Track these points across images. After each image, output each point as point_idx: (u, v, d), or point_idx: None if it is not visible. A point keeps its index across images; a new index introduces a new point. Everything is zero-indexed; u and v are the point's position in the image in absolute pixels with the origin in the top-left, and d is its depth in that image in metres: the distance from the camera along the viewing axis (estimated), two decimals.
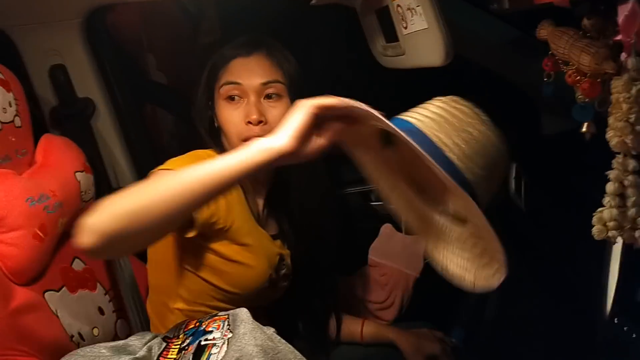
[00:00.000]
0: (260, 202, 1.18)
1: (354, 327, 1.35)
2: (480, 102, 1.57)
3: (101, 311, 1.16)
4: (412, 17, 0.87)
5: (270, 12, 1.44)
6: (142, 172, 1.50)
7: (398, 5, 0.91)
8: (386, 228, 1.53)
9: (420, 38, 0.89)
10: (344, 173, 1.64)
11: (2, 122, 1.01)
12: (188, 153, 1.10)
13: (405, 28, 0.93)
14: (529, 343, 1.51)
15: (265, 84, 1.08)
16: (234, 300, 1.08)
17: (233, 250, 1.08)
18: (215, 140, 1.14)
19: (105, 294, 1.19)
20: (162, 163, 1.18)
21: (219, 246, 1.07)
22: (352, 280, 1.53)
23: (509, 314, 1.60)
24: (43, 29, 1.28)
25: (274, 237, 1.18)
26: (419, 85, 1.66)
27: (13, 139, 1.04)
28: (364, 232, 1.56)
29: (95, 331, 1.12)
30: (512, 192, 1.50)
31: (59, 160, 1.12)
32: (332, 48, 1.73)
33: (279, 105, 1.08)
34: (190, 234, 0.99)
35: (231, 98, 1.09)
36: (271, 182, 1.17)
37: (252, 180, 1.14)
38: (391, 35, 1.10)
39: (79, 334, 1.07)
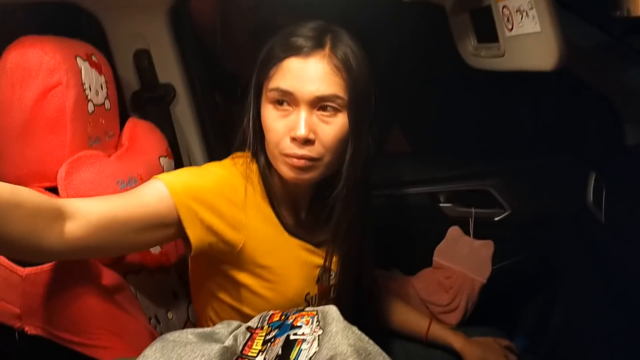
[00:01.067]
0: (302, 209, 1.06)
1: (421, 324, 1.32)
2: (565, 107, 1.54)
3: (175, 295, 1.18)
4: (521, 19, 0.84)
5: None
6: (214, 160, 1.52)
7: (504, 7, 0.89)
8: (453, 230, 1.52)
9: (528, 41, 0.86)
10: (412, 173, 1.62)
11: (95, 104, 1.02)
12: (230, 156, 1.03)
13: (510, 30, 0.90)
14: (594, 357, 1.46)
15: (321, 98, 0.91)
16: None
17: (251, 277, 0.98)
18: (259, 141, 1.00)
19: (179, 278, 1.21)
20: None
21: (235, 272, 0.98)
22: (416, 281, 1.51)
23: (575, 326, 1.56)
24: (131, 13, 1.29)
25: (318, 245, 1.05)
26: (504, 87, 1.64)
27: (103, 122, 1.06)
28: (430, 233, 1.54)
29: (170, 314, 1.14)
30: (590, 202, 1.45)
31: (144, 145, 1.14)
32: (413, 45, 1.70)
33: (334, 122, 0.92)
34: (191, 253, 0.92)
35: (279, 102, 0.93)
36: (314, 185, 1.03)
37: (287, 190, 1.02)
38: (484, 35, 1.08)
39: (155, 316, 1.08)
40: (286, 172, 0.94)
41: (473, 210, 1.52)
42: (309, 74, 0.90)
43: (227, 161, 1.03)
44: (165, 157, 1.17)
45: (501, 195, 1.52)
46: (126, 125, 1.15)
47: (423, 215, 1.59)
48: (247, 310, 1.01)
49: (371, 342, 0.79)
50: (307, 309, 0.87)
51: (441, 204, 1.57)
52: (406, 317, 1.33)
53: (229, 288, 1.01)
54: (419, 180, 1.59)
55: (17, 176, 0.95)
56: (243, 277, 0.99)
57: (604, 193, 1.42)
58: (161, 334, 1.04)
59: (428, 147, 1.66)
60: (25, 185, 0.93)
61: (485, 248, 1.48)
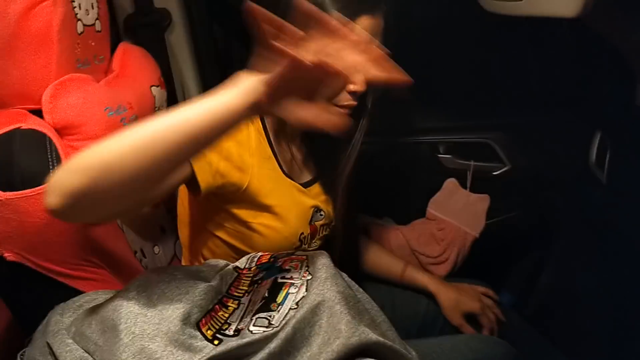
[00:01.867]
0: (294, 147, 1.06)
1: (397, 266, 1.31)
2: (576, 62, 1.48)
3: (162, 230, 1.16)
4: None
5: None
6: (209, 91, 1.47)
7: None
8: (450, 183, 1.49)
9: None
10: (412, 121, 1.58)
11: (84, 24, 0.96)
12: None
13: None
14: (581, 317, 1.47)
15: None
16: None
17: (252, 215, 0.97)
18: None
19: (167, 213, 1.18)
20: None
21: (237, 210, 0.96)
22: (407, 231, 1.50)
23: (564, 286, 1.56)
24: None
25: (307, 185, 1.06)
26: (515, 37, 1.58)
27: (93, 44, 1.00)
28: (426, 184, 1.52)
29: (156, 249, 1.12)
30: (592, 162, 1.42)
31: (136, 72, 1.09)
32: None
33: None
34: (199, 197, 0.88)
35: None
36: None
37: (281, 124, 1.01)
38: None
39: (141, 250, 1.06)
40: (335, 123, 0.89)
41: (472, 163, 1.48)
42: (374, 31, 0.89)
43: None
44: (157, 86, 1.12)
45: (502, 150, 1.48)
46: (117, 50, 1.10)
47: (420, 166, 1.56)
48: (245, 248, 1.00)
49: (360, 290, 0.78)
50: (296, 253, 0.86)
51: (440, 155, 1.53)
52: (382, 260, 1.33)
53: (229, 226, 1.00)
54: (419, 130, 1.55)
55: (0, 96, 0.90)
56: (245, 215, 0.97)
57: (607, 153, 1.39)
58: (146, 268, 1.03)
59: (431, 95, 1.60)
60: (9, 106, 0.90)
61: (480, 202, 1.46)
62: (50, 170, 0.82)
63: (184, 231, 1.09)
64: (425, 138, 1.54)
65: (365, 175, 1.10)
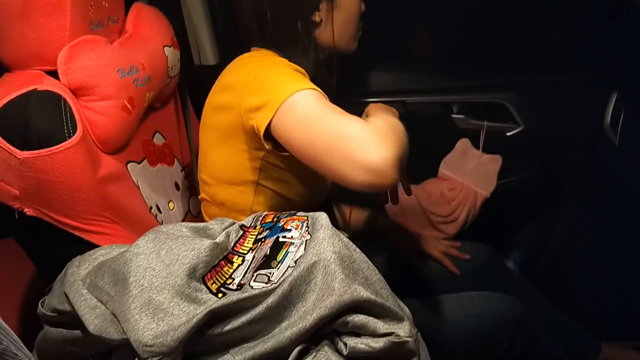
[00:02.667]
0: None
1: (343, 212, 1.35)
2: (597, 22, 1.44)
3: (177, 186, 1.20)
4: None
5: None
6: (224, 51, 1.48)
7: None
8: (463, 143, 1.49)
9: None
10: (426, 80, 1.57)
11: None
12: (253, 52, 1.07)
13: None
14: (587, 278, 1.49)
15: None
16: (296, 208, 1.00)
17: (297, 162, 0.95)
18: (305, 40, 1.03)
19: (181, 170, 1.23)
20: (245, 49, 1.15)
21: (289, 160, 0.97)
22: (419, 190, 1.52)
23: (573, 248, 1.57)
24: None
25: None
26: None
27: (106, 5, 1.02)
28: (439, 144, 1.51)
29: (171, 205, 1.17)
30: (607, 123, 1.41)
31: (148, 33, 1.11)
32: None
33: None
34: (267, 146, 0.92)
35: None
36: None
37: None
38: None
39: (157, 206, 1.11)
40: None
41: (485, 123, 1.48)
42: None
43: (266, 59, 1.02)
44: (170, 46, 1.14)
45: (516, 110, 1.47)
46: (130, 11, 1.11)
47: (433, 125, 1.55)
48: (292, 196, 1.07)
49: (357, 250, 0.80)
50: (298, 213, 0.88)
51: (453, 115, 1.53)
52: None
53: (279, 177, 1.05)
54: (432, 89, 1.54)
55: (17, 57, 0.94)
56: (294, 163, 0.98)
57: (622, 115, 1.37)
58: (162, 223, 1.08)
59: (445, 55, 1.59)
60: (27, 68, 0.93)
61: (492, 163, 1.46)
62: (65, 131, 0.86)
63: (229, 193, 1.08)
64: (438, 98, 1.54)
65: None
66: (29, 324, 0.93)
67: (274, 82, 0.92)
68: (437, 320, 1.15)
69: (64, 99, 0.89)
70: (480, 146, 1.47)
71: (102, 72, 0.94)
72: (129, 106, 0.99)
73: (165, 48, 1.12)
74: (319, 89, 0.91)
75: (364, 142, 0.80)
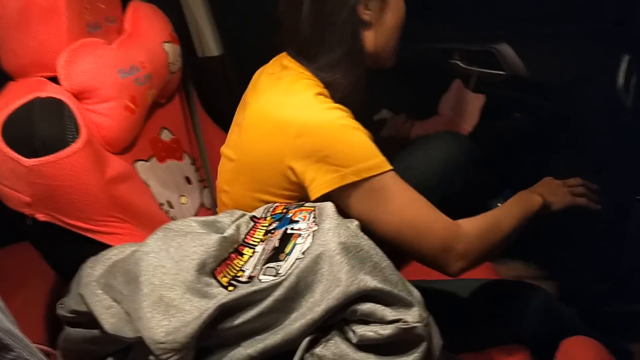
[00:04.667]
0: None
1: None
2: None
3: (188, 180, 1.21)
4: None
5: None
6: (227, 44, 1.48)
7: None
8: (456, 84, 1.60)
9: None
10: (430, 30, 1.61)
11: None
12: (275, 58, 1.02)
13: None
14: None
15: None
16: None
17: None
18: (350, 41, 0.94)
19: (191, 164, 1.24)
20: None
21: None
22: (421, 125, 1.62)
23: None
24: None
25: None
26: None
27: (102, 6, 1.03)
28: (440, 85, 1.64)
29: (183, 199, 1.18)
30: (619, 86, 1.39)
31: (147, 30, 1.11)
32: None
33: None
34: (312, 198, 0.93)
35: None
36: None
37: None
38: None
39: (168, 202, 1.13)
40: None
41: (476, 69, 1.57)
42: None
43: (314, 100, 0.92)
44: (170, 42, 1.15)
45: (502, 59, 1.53)
46: (127, 10, 1.12)
47: (435, 69, 1.66)
48: None
49: (365, 237, 0.81)
50: (306, 204, 0.89)
51: (452, 60, 1.59)
52: None
53: None
54: (436, 37, 1.63)
55: (19, 66, 0.95)
56: None
57: (634, 77, 1.34)
58: (173, 218, 1.10)
59: (449, 8, 1.62)
60: (27, 75, 0.95)
61: (476, 101, 1.56)
62: (69, 136, 0.88)
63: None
64: (440, 45, 1.63)
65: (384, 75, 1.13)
66: (53, 325, 0.96)
67: (347, 149, 0.89)
68: None
69: (66, 105, 0.90)
70: (471, 87, 1.57)
71: (102, 74, 0.95)
72: (132, 105, 1.00)
73: (164, 44, 1.13)
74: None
75: (447, 254, 0.92)
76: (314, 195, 0.90)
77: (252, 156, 0.96)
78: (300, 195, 0.95)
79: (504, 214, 1.01)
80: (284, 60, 1.00)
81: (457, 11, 1.60)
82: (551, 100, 1.54)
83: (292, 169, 0.91)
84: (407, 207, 0.91)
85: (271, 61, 1.05)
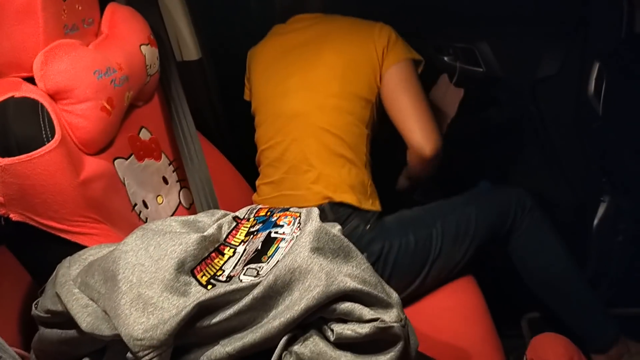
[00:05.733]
0: None
1: None
2: None
3: (165, 180, 1.21)
4: None
5: None
6: (206, 46, 1.48)
7: None
8: (443, 78, 1.71)
9: None
10: (419, 26, 1.71)
11: None
12: None
13: None
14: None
15: None
16: None
17: None
18: None
19: (169, 164, 1.24)
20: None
21: None
22: None
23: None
24: None
25: None
26: None
27: (80, 8, 1.02)
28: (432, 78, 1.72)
29: (159, 199, 1.18)
30: (590, 93, 1.42)
31: (124, 32, 1.11)
32: None
33: None
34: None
35: None
36: None
37: None
38: None
39: (143, 201, 1.12)
40: None
41: (458, 64, 1.67)
42: None
43: None
44: (147, 44, 1.14)
45: (481, 56, 1.61)
46: (105, 12, 1.11)
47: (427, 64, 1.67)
48: None
49: (346, 240, 0.81)
50: (291, 209, 0.90)
51: (445, 57, 1.69)
52: None
53: None
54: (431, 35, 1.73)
55: None
56: None
57: (604, 84, 1.38)
58: (146, 220, 1.09)
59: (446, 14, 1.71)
60: (4, 76, 0.94)
61: (456, 93, 1.67)
62: (43, 136, 0.87)
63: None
64: (430, 41, 1.72)
65: None
66: (27, 328, 0.94)
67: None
68: None
69: (42, 105, 0.89)
70: (453, 81, 1.67)
71: (78, 75, 0.95)
72: (108, 107, 0.99)
73: (142, 47, 1.13)
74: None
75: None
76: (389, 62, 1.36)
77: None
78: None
79: None
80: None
81: (447, 10, 1.69)
82: (522, 99, 1.61)
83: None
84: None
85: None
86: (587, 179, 1.57)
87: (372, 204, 1.31)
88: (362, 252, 1.15)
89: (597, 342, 1.33)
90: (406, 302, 1.28)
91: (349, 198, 1.27)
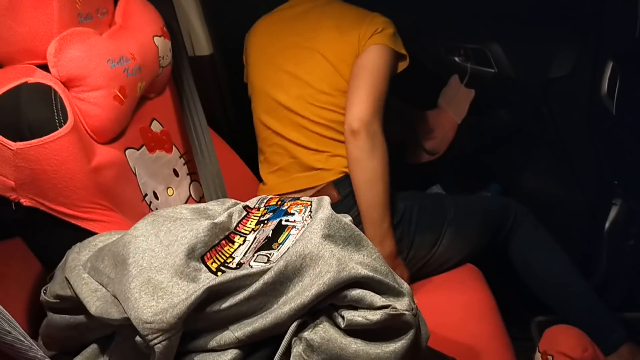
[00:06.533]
0: None
1: None
2: None
3: (176, 173, 1.21)
4: None
5: None
6: (218, 39, 1.49)
7: None
8: (453, 78, 1.72)
9: None
10: (430, 27, 1.75)
11: None
12: None
13: None
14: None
15: None
16: None
17: None
18: None
19: (180, 157, 1.24)
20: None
21: None
22: (422, 115, 1.75)
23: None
24: None
25: None
26: None
27: None
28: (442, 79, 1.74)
29: (170, 191, 1.18)
30: (603, 92, 1.42)
31: (138, 23, 1.11)
32: None
33: None
34: None
35: None
36: None
37: None
38: None
39: (154, 192, 1.12)
40: None
41: (469, 65, 1.71)
42: None
43: None
44: (160, 36, 1.15)
45: (493, 57, 1.64)
46: (119, 3, 1.12)
47: (437, 64, 1.77)
48: None
49: (357, 230, 0.81)
50: (302, 198, 0.90)
51: (456, 58, 1.71)
52: None
53: None
54: (437, 35, 1.76)
55: (8, 53, 0.94)
56: None
57: (617, 84, 1.37)
58: (156, 209, 1.09)
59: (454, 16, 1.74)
60: (17, 62, 0.94)
61: (467, 95, 1.67)
62: (56, 121, 0.87)
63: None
64: (442, 42, 1.75)
65: None
66: (36, 316, 0.94)
67: None
68: None
69: (55, 90, 0.90)
70: (464, 82, 1.68)
71: (92, 63, 0.95)
72: (120, 95, 1.00)
73: (155, 38, 1.13)
74: None
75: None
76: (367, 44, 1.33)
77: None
78: None
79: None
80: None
81: (458, 11, 1.72)
82: (533, 99, 1.62)
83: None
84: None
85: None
86: (598, 182, 1.57)
87: None
88: None
89: (605, 342, 1.32)
90: (421, 277, 1.37)
91: None
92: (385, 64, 1.32)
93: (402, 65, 1.38)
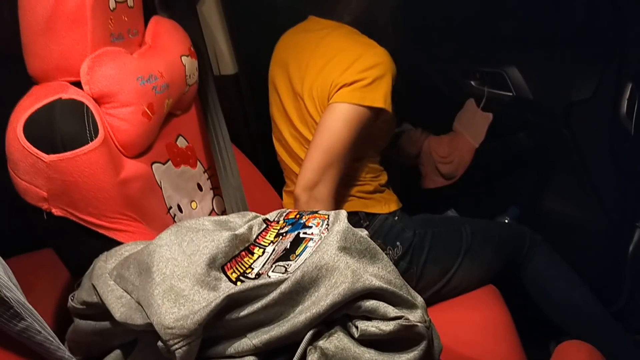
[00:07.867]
0: None
1: None
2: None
3: (200, 187, 1.25)
4: None
5: None
6: (242, 61, 1.53)
7: None
8: (469, 102, 1.71)
9: None
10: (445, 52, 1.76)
11: (117, 1, 1.04)
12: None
13: None
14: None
15: None
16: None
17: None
18: None
19: (204, 172, 1.28)
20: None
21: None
22: (439, 139, 1.75)
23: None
24: None
25: None
26: None
27: (126, 19, 1.08)
28: (457, 103, 1.75)
29: (193, 205, 1.22)
30: (622, 113, 1.42)
31: (166, 43, 1.16)
32: None
33: None
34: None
35: None
36: None
37: None
38: None
39: (178, 205, 1.16)
40: None
41: (486, 89, 1.71)
42: None
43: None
44: (187, 56, 1.20)
45: (510, 80, 1.63)
46: (149, 24, 1.17)
47: (452, 88, 1.78)
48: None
49: (372, 243, 0.83)
50: (320, 212, 0.92)
51: (472, 82, 1.73)
52: None
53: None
54: (453, 59, 1.78)
55: (44, 70, 0.99)
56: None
57: (636, 104, 1.38)
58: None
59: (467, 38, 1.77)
60: (53, 79, 0.99)
61: (484, 119, 1.66)
62: (87, 135, 0.92)
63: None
64: (458, 66, 1.77)
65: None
66: (63, 323, 0.97)
67: None
68: None
69: (87, 106, 0.94)
70: (481, 106, 1.68)
71: (122, 80, 1.00)
72: (148, 112, 1.04)
73: (182, 57, 1.18)
74: None
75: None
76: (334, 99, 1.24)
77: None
78: None
79: None
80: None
81: (473, 35, 1.74)
82: (554, 122, 1.60)
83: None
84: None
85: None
86: (622, 204, 1.55)
87: (396, 204, 1.40)
88: (395, 242, 1.31)
89: None
90: (435, 302, 1.35)
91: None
92: (344, 125, 1.20)
93: (387, 114, 1.26)
